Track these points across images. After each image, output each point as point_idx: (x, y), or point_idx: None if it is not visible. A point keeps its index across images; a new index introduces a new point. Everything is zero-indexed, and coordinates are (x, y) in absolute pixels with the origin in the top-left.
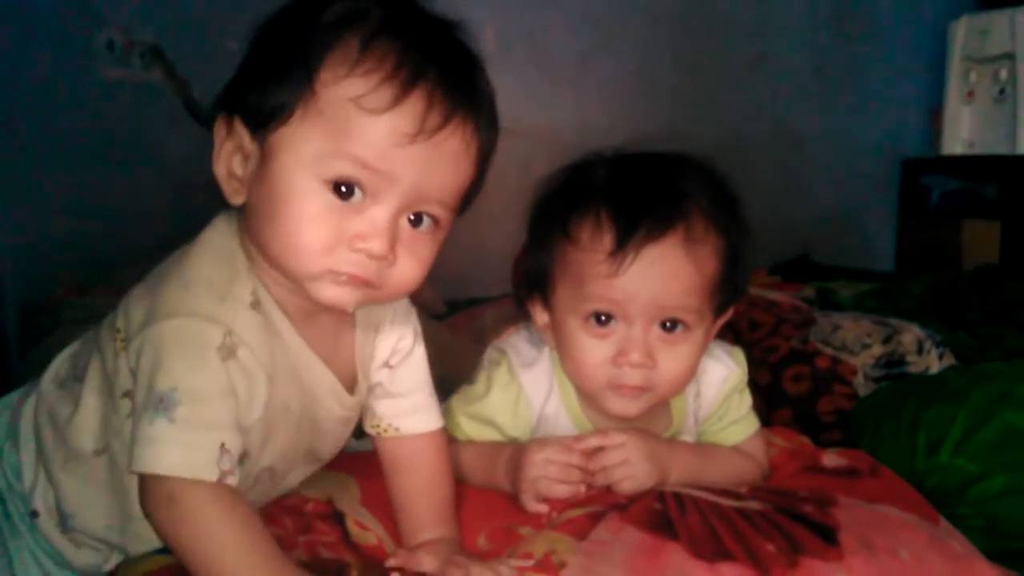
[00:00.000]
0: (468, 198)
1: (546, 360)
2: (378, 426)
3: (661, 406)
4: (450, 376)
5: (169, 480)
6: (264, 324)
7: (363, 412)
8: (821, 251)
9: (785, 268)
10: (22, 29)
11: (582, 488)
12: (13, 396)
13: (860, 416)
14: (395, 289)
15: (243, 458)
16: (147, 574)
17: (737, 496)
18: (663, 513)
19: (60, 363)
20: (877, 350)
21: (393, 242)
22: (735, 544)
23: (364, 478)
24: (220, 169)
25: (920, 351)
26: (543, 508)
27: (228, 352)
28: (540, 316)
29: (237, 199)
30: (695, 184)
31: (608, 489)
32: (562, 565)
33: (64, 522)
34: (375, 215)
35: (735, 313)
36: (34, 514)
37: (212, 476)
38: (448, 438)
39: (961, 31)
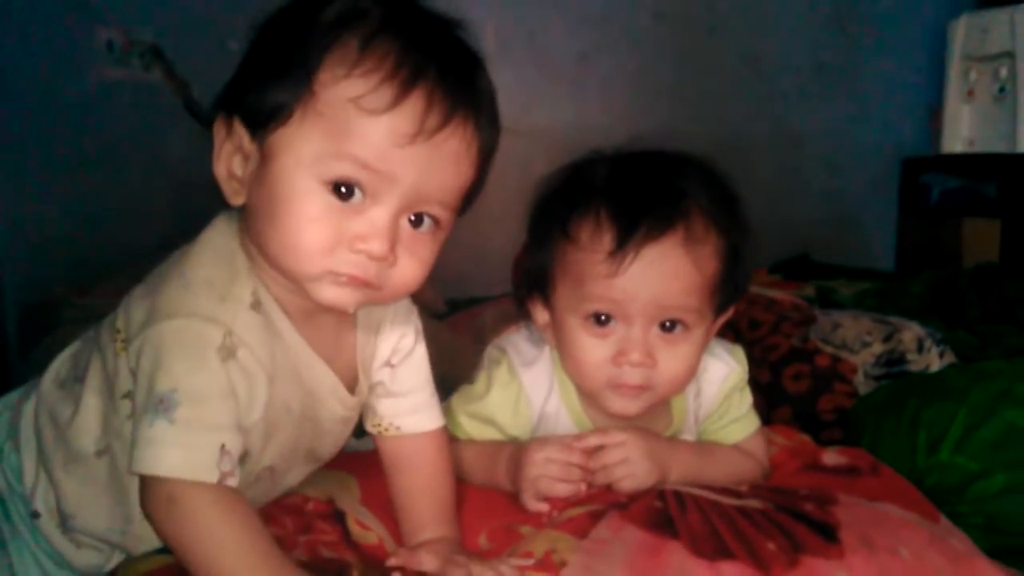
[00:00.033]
0: (469, 198)
1: (546, 359)
2: (379, 425)
3: (661, 405)
4: (451, 375)
5: (169, 481)
6: (264, 324)
7: (364, 411)
8: (821, 250)
9: (785, 267)
10: (22, 29)
11: (582, 487)
12: (13, 396)
13: (860, 414)
14: (396, 290)
15: (244, 458)
16: (147, 574)
17: (738, 494)
18: (664, 512)
19: (60, 363)
20: (877, 348)
21: (393, 243)
22: (736, 542)
23: (365, 477)
24: (220, 169)
25: (920, 349)
26: (544, 507)
27: (228, 353)
28: (540, 315)
29: (237, 199)
30: (695, 183)
31: (608, 488)
32: (563, 564)
33: (65, 522)
34: (375, 216)
35: (735, 312)
36: (35, 515)
37: (212, 477)
38: (449, 437)
39: (961, 29)
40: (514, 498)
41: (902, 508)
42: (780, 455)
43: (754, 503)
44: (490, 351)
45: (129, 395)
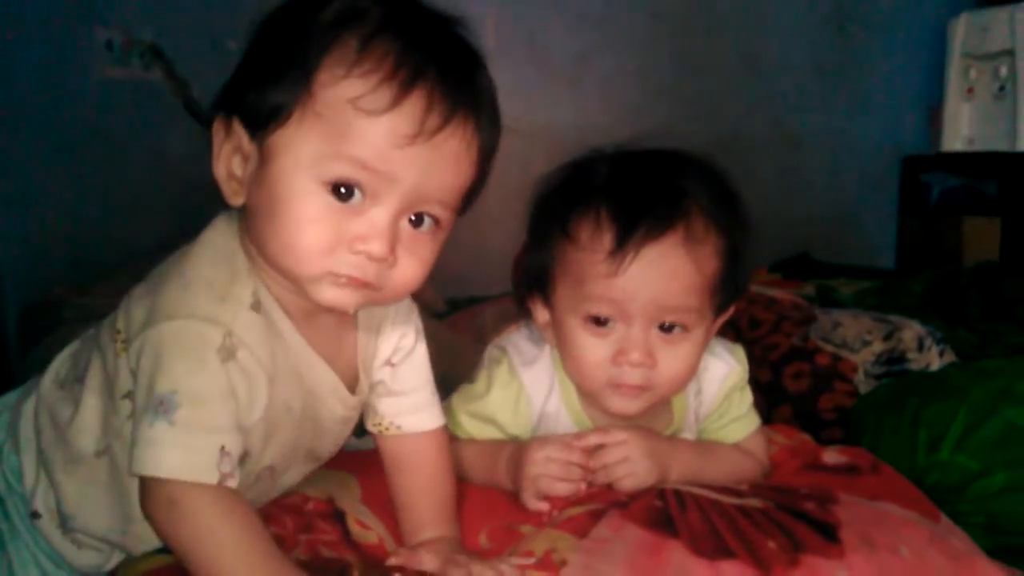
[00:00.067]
0: (470, 197)
1: (547, 358)
2: (380, 424)
3: (662, 404)
4: (451, 375)
5: (169, 483)
6: (265, 325)
7: (365, 410)
8: (821, 249)
9: (785, 266)
10: (22, 29)
11: (583, 486)
12: (12, 396)
13: (861, 413)
14: (396, 290)
15: (244, 458)
16: (147, 574)
17: (738, 493)
18: (664, 511)
19: (60, 363)
20: (878, 347)
21: (393, 244)
22: (736, 542)
23: (365, 476)
24: (220, 170)
25: (921, 348)
26: (544, 506)
27: (228, 353)
28: (541, 314)
29: (237, 200)
30: (695, 183)
31: (609, 487)
32: (563, 563)
33: (65, 523)
34: (375, 217)
35: (736, 311)
36: (35, 515)
37: (212, 479)
38: (449, 436)
39: (961, 28)
40: (514, 497)
41: (902, 507)
42: (780, 454)
43: (754, 502)
44: (490, 350)
45: (129, 395)
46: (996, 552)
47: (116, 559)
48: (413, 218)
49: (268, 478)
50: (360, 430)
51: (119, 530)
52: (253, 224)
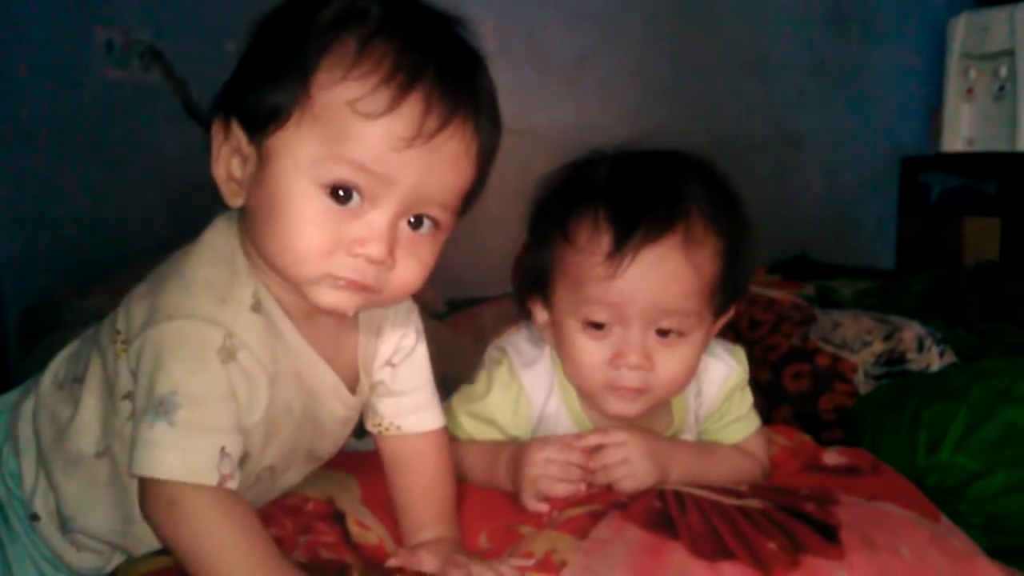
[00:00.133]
0: (470, 199)
1: (547, 359)
2: (380, 425)
3: (662, 405)
4: (451, 375)
5: (169, 484)
6: (265, 325)
7: (365, 411)
8: (821, 249)
9: (785, 266)
10: (21, 29)
11: (583, 487)
12: (10, 397)
13: (861, 414)
14: (395, 293)
15: (244, 459)
16: (147, 575)
17: (738, 494)
18: (664, 512)
19: (59, 364)
20: (878, 348)
21: (392, 246)
22: (736, 542)
23: (365, 477)
24: (219, 171)
25: (921, 348)
26: (544, 507)
27: (228, 354)
28: (540, 314)
29: (236, 201)
30: (695, 185)
31: (609, 488)
32: (563, 564)
33: (65, 524)
34: (373, 219)
35: (736, 312)
36: (34, 517)
37: (212, 480)
38: (449, 437)
39: (960, 28)
40: (514, 498)
41: (903, 508)
42: (780, 455)
43: (754, 503)
44: (490, 351)
45: (129, 396)
46: (996, 552)
47: (115, 561)
48: (412, 220)
49: (268, 479)
50: (360, 431)
51: (119, 531)
52: (252, 225)
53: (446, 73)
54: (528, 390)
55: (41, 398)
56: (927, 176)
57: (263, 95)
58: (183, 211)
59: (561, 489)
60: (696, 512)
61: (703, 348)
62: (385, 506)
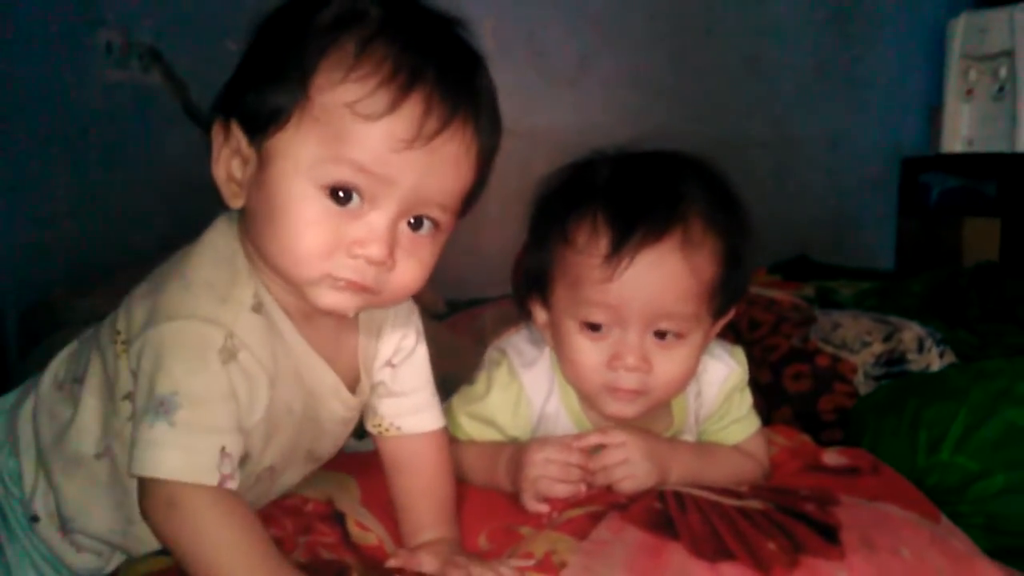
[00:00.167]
0: (470, 200)
1: (546, 360)
2: (380, 425)
3: (661, 406)
4: (451, 376)
5: (169, 484)
6: (266, 326)
7: (365, 411)
8: (821, 250)
9: (784, 267)
10: (21, 30)
11: (582, 487)
12: (9, 398)
13: (861, 414)
14: (395, 294)
15: (244, 459)
16: (147, 575)
17: (738, 495)
18: (664, 512)
19: (59, 364)
20: (877, 348)
21: (392, 247)
22: (736, 543)
23: (364, 478)
24: (219, 172)
25: (920, 349)
26: (543, 508)
27: (229, 355)
28: (540, 315)
29: (236, 202)
30: (694, 186)
31: (608, 488)
32: (563, 565)
33: (65, 525)
34: (373, 221)
35: (735, 313)
36: (34, 519)
37: (212, 480)
38: (449, 438)
39: (960, 29)
40: (514, 499)
41: (903, 508)
42: (780, 455)
43: (754, 504)
44: (490, 352)
45: (129, 396)
46: (996, 553)
47: (115, 562)
48: (412, 221)
49: (268, 479)
50: (360, 432)
51: (120, 531)
52: (252, 226)
53: (446, 74)
54: (528, 391)
55: (41, 398)
56: (927, 176)
57: (263, 97)
58: (183, 211)
59: (561, 490)
60: (696, 513)
61: (702, 350)
62: (385, 507)
